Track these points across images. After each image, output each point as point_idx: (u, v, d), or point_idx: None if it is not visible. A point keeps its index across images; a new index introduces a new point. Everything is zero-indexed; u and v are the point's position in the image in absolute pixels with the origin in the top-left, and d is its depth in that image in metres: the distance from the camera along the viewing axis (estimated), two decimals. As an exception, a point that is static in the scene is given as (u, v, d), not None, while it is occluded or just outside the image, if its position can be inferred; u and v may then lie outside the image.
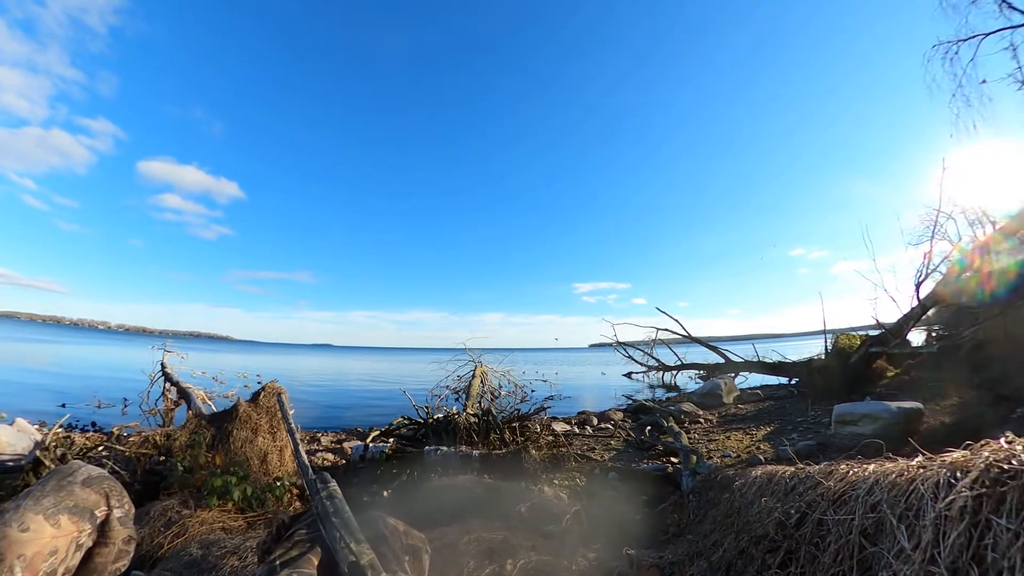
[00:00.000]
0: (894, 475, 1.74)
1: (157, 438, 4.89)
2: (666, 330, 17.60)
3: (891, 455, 2.12)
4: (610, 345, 20.10)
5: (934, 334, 11.54)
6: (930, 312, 10.09)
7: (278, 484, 4.47)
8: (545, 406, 8.70)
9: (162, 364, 11.04)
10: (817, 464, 2.40)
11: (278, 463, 4.94)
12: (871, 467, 1.94)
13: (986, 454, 1.40)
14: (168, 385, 10.31)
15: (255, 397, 5.44)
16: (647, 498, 4.91)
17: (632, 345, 20.31)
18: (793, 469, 2.45)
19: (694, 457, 5.25)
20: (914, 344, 10.86)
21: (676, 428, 7.72)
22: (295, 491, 4.53)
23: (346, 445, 7.93)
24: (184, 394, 8.95)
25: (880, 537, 1.60)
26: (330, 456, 7.24)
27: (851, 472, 2.01)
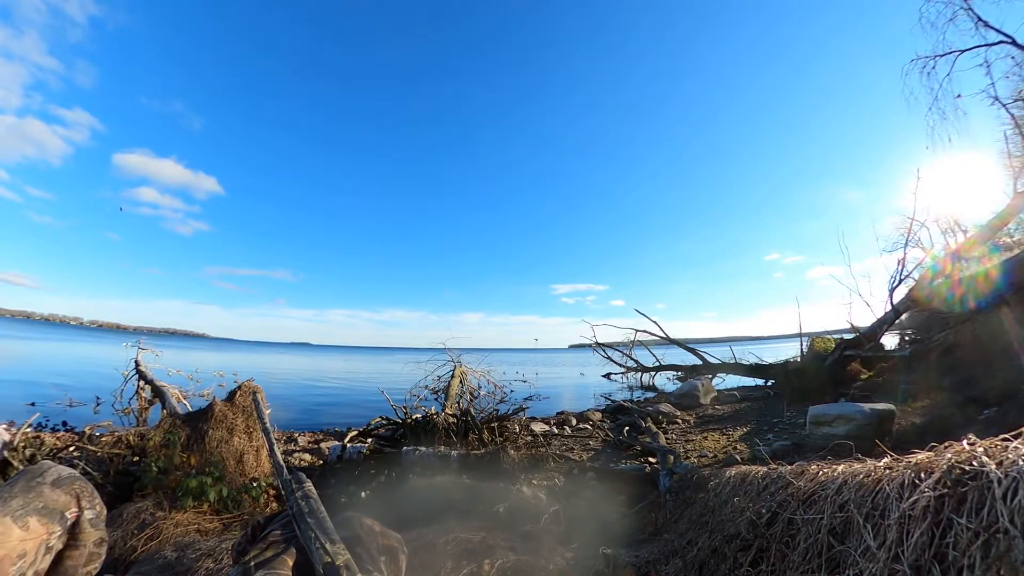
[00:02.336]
0: (862, 476, 1.78)
1: (130, 438, 4.77)
2: (644, 332, 17.75)
3: (861, 456, 2.17)
4: (589, 346, 20.19)
5: (907, 338, 11.81)
6: (903, 317, 10.31)
7: (254, 485, 4.40)
8: (524, 406, 8.71)
9: (136, 362, 10.77)
10: (791, 464, 2.45)
11: (255, 463, 4.87)
12: (840, 468, 1.98)
13: (949, 455, 1.44)
14: (142, 384, 10.05)
15: (231, 396, 5.36)
16: (625, 498, 4.94)
17: (611, 346, 20.41)
18: (766, 469, 2.49)
19: (671, 457, 5.30)
20: (888, 348, 11.11)
21: (654, 428, 7.78)
22: (272, 492, 4.46)
23: (323, 445, 7.86)
24: (159, 393, 8.76)
25: (848, 536, 1.64)
26: (307, 456, 7.17)
27: (821, 473, 2.05)
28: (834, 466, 2.05)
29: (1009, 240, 10.79)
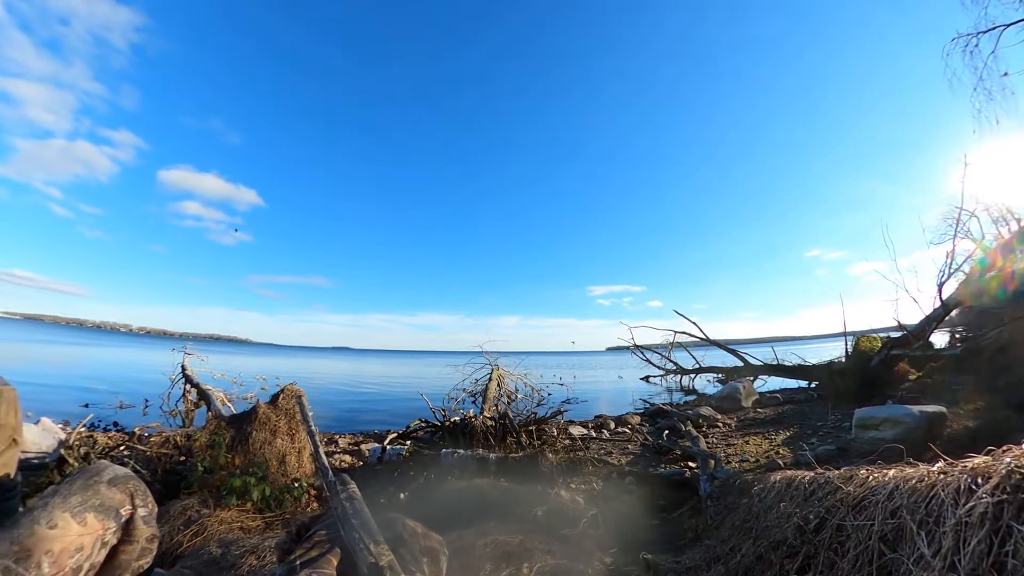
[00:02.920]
0: (914, 481, 1.73)
1: (178, 439, 4.97)
2: (683, 333, 17.51)
3: (912, 460, 2.09)
4: (627, 348, 20.01)
5: (957, 336, 11.31)
6: (953, 313, 9.89)
7: (296, 485, 4.51)
8: (562, 410, 8.69)
9: (182, 366, 11.17)
10: (837, 469, 2.38)
11: (296, 464, 4.98)
12: (891, 472, 1.92)
13: (1008, 460, 1.38)
14: (188, 387, 10.42)
15: (274, 399, 5.50)
16: (664, 503, 4.89)
17: (649, 348, 20.17)
18: (812, 474, 2.43)
19: (712, 462, 5.21)
20: (937, 346, 10.66)
21: (694, 432, 7.66)
22: (313, 492, 4.57)
23: (363, 447, 8.00)
24: (204, 395, 9.06)
25: (900, 543, 1.59)
26: (348, 458, 7.32)
27: (871, 477, 1.99)
28: (885, 471, 1.99)
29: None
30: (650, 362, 20.02)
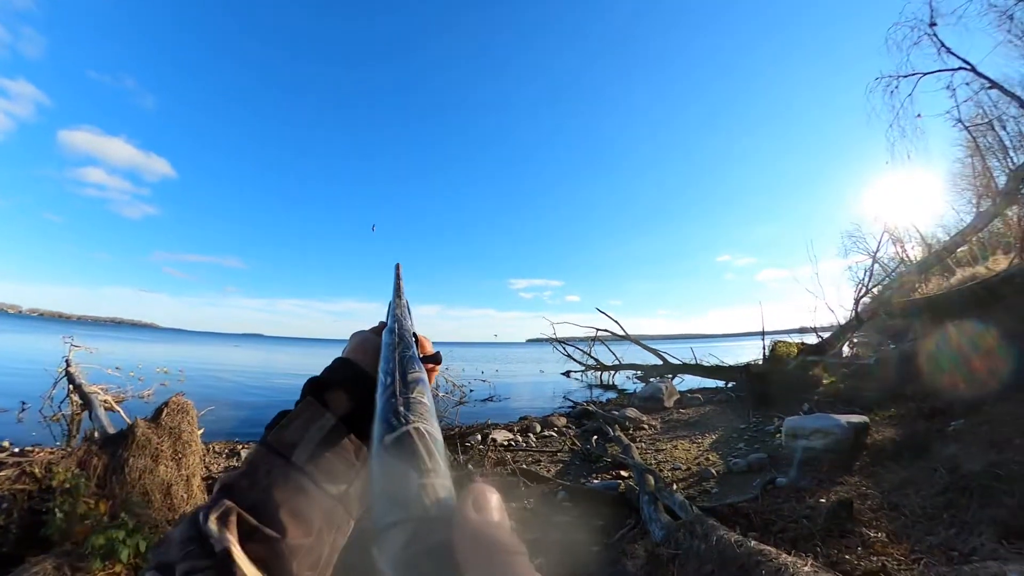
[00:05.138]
0: None
1: (36, 470, 3.95)
2: (604, 330, 17.68)
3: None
4: (547, 341, 20.04)
5: (855, 343, 12.07)
6: (864, 324, 10.43)
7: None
8: (489, 422, 8.28)
9: (67, 361, 9.46)
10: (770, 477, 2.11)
11: (184, 496, 4.12)
12: None
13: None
14: (72, 387, 8.82)
15: (156, 415, 4.63)
16: (603, 522, 4.62)
17: (569, 342, 20.31)
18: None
19: (651, 478, 4.96)
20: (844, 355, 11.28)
21: (624, 440, 7.50)
22: (156, 543, 3.75)
23: None
24: (86, 401, 7.73)
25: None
26: None
27: None
28: None
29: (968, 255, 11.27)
30: (572, 357, 20.16)
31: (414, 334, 0.64)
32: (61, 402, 9.03)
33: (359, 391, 0.56)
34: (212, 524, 0.43)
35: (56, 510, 3.33)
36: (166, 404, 4.63)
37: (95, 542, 2.98)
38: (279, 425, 0.53)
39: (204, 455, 6.33)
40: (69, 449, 4.43)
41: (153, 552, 0.45)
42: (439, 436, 0.37)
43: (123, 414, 7.62)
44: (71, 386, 8.88)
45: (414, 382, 0.43)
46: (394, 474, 0.33)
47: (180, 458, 4.32)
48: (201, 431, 5.19)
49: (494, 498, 0.28)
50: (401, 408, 0.38)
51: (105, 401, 7.90)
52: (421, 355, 0.56)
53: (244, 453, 7.58)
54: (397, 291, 0.80)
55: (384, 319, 0.74)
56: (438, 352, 0.68)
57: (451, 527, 0.27)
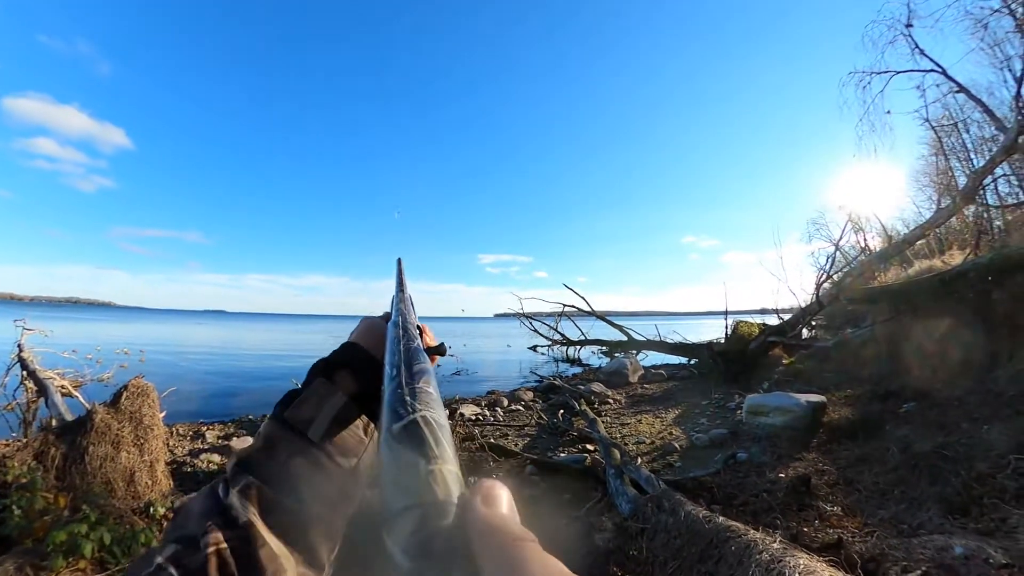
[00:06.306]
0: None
1: None
2: (571, 306, 17.82)
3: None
4: (514, 316, 20.13)
5: (814, 326, 12.53)
6: (824, 308, 10.78)
7: (150, 511, 3.62)
8: (458, 397, 8.29)
9: (19, 346, 8.90)
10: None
11: (149, 482, 4.01)
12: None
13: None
14: (26, 374, 8.30)
15: (116, 400, 4.43)
16: (570, 496, 4.70)
17: (537, 317, 20.44)
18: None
19: (617, 452, 5.06)
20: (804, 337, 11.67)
21: (590, 414, 7.62)
22: (171, 516, 3.68)
23: (235, 442, 6.81)
24: (41, 387, 7.29)
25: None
26: (216, 458, 6.11)
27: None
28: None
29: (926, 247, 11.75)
30: (538, 332, 20.31)
31: (418, 326, 0.68)
32: (15, 390, 8.52)
33: (366, 373, 0.60)
34: (234, 497, 0.47)
35: (13, 507, 3.17)
36: (125, 387, 4.42)
37: (56, 538, 2.84)
38: (294, 403, 0.56)
39: (167, 439, 6.15)
40: (24, 440, 4.20)
41: (171, 526, 0.48)
42: (446, 423, 0.38)
43: (81, 399, 7.27)
44: (24, 372, 8.37)
45: (420, 372, 0.44)
46: (403, 462, 0.34)
47: (142, 443, 4.15)
48: (163, 414, 5.04)
49: (503, 493, 0.30)
50: (408, 397, 0.39)
51: (62, 387, 7.50)
52: (425, 347, 0.58)
53: (209, 434, 7.35)
54: (400, 285, 0.83)
55: (388, 311, 0.76)
56: (442, 344, 0.71)
57: (460, 511, 0.29)
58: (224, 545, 0.43)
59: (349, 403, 0.57)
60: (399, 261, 0.94)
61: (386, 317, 0.73)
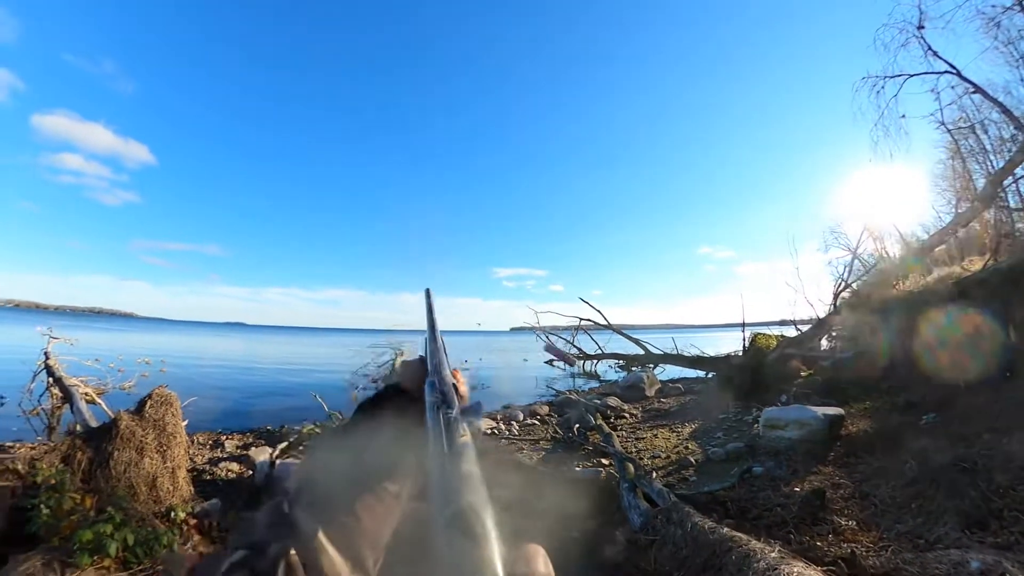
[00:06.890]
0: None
1: (19, 466, 3.88)
2: (587, 320, 17.80)
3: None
4: (530, 330, 20.13)
5: (833, 336, 12.35)
6: (841, 318, 10.64)
7: (171, 515, 3.73)
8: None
9: (45, 354, 9.18)
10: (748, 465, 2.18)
11: (171, 488, 4.11)
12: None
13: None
14: (51, 380, 8.59)
15: (140, 407, 4.57)
16: (583, 510, 4.67)
17: (553, 331, 20.42)
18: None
19: (631, 466, 5.06)
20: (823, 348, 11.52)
21: (606, 428, 7.60)
22: (193, 523, 3.80)
23: (253, 451, 6.83)
24: (67, 394, 7.54)
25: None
26: (235, 467, 6.21)
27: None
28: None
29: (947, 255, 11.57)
30: (554, 365, 20.34)
31: (451, 378, 0.78)
32: (41, 395, 8.79)
33: (406, 414, 0.75)
34: (299, 512, 0.58)
35: (42, 506, 3.31)
36: (149, 396, 4.58)
37: (83, 537, 2.97)
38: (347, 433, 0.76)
39: (188, 447, 6.30)
40: (52, 444, 4.35)
41: (238, 534, 0.59)
42: (487, 503, 0.47)
43: (104, 407, 7.48)
44: (51, 379, 8.65)
45: (462, 448, 0.53)
46: (453, 546, 0.42)
47: (165, 450, 4.29)
48: (185, 422, 5.17)
49: (540, 556, 0.39)
50: (454, 483, 0.48)
51: (86, 394, 7.75)
52: (460, 405, 0.69)
53: (228, 444, 7.43)
54: (431, 325, 0.86)
55: (421, 353, 0.86)
56: (478, 403, 0.79)
57: None
58: (292, 552, 0.52)
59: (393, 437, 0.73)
60: (427, 293, 0.96)
61: (421, 360, 0.85)
